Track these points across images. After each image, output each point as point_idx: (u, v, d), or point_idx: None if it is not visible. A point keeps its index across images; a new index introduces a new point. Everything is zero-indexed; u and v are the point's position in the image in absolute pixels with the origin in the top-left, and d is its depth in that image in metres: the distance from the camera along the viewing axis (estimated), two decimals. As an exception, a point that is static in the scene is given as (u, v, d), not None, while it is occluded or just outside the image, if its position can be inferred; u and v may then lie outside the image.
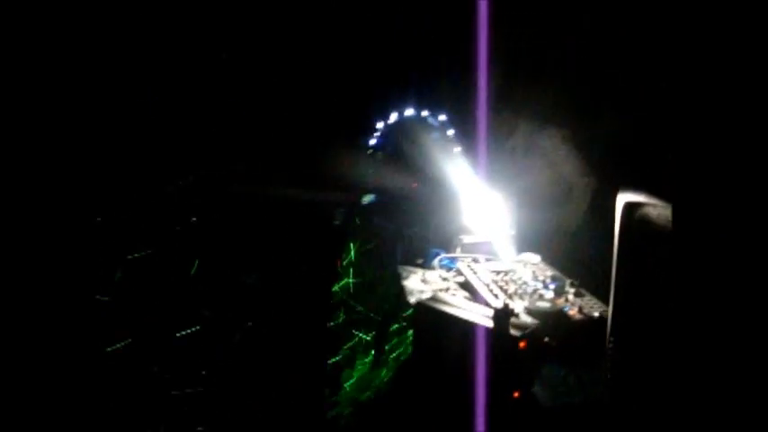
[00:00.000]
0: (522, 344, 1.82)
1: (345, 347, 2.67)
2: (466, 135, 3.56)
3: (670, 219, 1.49)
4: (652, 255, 1.59)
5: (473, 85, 3.38)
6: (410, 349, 2.30)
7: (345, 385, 2.50)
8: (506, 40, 3.26)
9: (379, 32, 3.94)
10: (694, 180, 1.47)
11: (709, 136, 1.47)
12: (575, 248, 3.22)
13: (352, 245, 3.29)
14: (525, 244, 3.09)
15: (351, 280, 3.13)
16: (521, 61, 3.24)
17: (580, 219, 3.40)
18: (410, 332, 2.36)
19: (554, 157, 3.38)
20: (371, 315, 2.74)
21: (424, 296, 2.60)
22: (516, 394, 1.83)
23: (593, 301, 2.38)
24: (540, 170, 3.40)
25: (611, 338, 1.66)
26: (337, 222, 3.78)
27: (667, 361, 1.54)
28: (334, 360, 2.68)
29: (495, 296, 2.39)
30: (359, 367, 2.52)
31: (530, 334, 1.82)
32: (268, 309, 2.92)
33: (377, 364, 2.45)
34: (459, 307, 2.02)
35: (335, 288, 3.12)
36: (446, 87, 3.86)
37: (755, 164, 1.40)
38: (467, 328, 1.90)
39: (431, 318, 1.99)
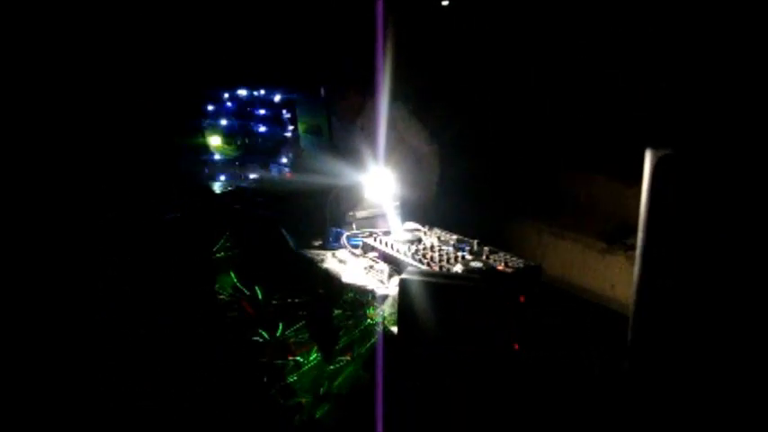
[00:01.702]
0: (521, 298, 1.97)
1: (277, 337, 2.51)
2: (312, 112, 3.50)
3: (711, 173, 1.64)
4: (686, 206, 1.64)
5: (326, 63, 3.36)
6: (375, 335, 2.27)
7: (290, 379, 2.37)
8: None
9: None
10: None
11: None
12: (439, 211, 3.46)
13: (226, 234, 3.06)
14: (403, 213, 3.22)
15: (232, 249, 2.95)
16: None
17: (435, 184, 3.66)
18: (373, 311, 2.32)
19: (404, 130, 3.56)
20: (296, 301, 2.62)
21: (357, 275, 2.58)
22: (516, 346, 1.98)
23: (507, 255, 2.63)
24: (393, 143, 3.54)
25: (639, 286, 1.82)
26: (174, 216, 3.45)
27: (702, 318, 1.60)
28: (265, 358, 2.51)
29: (428, 265, 2.49)
30: (305, 360, 2.40)
31: (526, 289, 1.98)
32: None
33: (329, 354, 2.36)
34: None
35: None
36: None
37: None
38: (462, 293, 1.97)
39: (420, 292, 2.00)
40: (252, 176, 3.58)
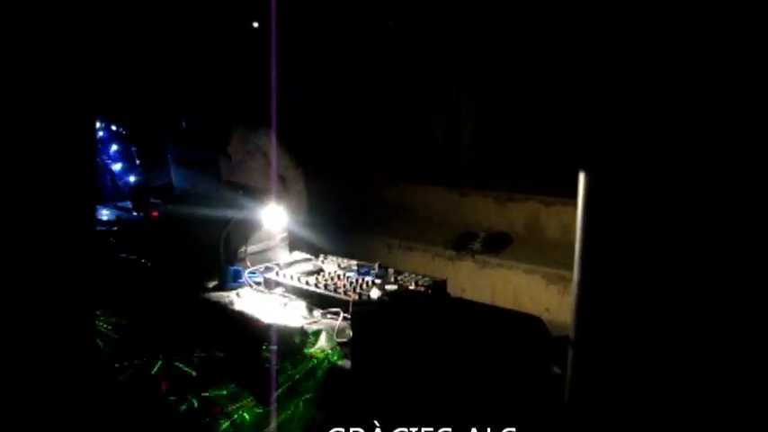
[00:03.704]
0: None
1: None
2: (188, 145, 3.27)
3: (644, 189, 1.52)
4: (621, 222, 1.60)
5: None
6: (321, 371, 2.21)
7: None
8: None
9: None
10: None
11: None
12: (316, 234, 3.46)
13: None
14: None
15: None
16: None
17: (304, 208, 3.64)
18: (311, 348, 2.25)
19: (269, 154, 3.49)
20: (204, 355, 2.43)
21: (276, 313, 2.49)
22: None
23: (412, 275, 2.75)
24: (259, 168, 3.45)
25: (585, 296, 1.86)
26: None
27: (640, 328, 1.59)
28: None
29: (346, 294, 2.52)
30: (237, 413, 2.24)
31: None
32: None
33: (264, 400, 2.24)
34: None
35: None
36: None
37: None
38: (426, 320, 2.02)
39: (379, 324, 2.02)
40: (104, 218, 3.20)
